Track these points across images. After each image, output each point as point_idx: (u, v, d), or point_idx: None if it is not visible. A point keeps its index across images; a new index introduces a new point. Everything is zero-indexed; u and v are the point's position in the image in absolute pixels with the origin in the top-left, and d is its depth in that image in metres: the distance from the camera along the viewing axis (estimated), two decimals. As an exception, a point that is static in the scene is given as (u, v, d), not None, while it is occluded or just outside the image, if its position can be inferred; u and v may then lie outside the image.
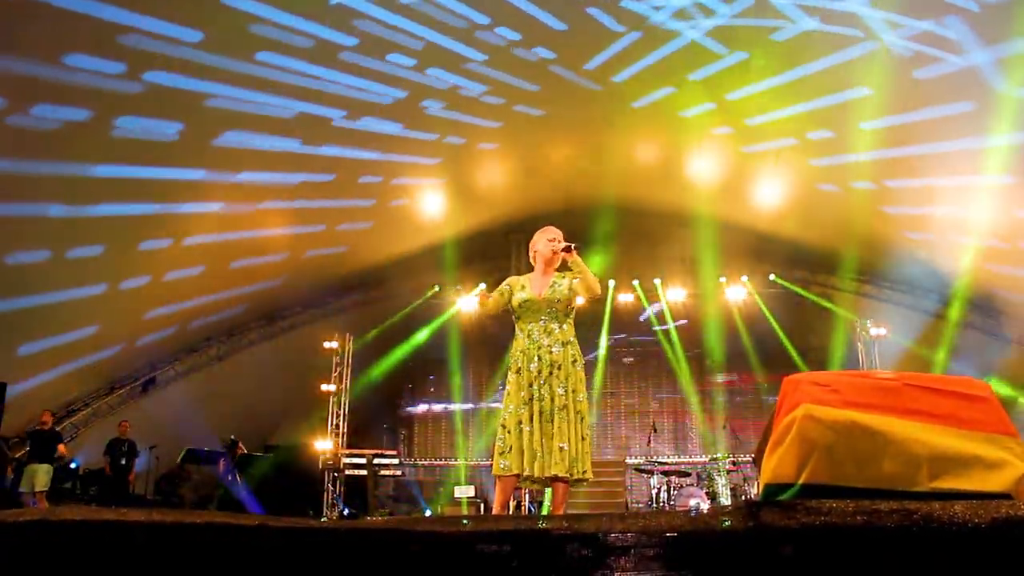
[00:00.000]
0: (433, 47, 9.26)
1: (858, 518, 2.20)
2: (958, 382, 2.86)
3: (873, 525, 2.17)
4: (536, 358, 4.68)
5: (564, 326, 4.79)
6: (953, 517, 2.17)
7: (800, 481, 2.61)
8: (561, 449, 4.47)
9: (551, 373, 4.64)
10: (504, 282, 5.02)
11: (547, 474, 4.48)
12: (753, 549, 2.22)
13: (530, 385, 4.64)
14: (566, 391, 4.61)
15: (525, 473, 4.53)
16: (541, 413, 4.58)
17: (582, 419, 4.63)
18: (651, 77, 10.14)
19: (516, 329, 4.90)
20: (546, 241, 4.96)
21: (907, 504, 2.19)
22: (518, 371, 4.71)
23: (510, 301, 4.91)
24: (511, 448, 4.57)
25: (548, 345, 4.70)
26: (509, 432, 4.61)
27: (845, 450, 2.61)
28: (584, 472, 4.55)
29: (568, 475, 4.46)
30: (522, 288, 4.87)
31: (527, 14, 8.91)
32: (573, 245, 4.78)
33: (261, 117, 9.84)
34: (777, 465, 2.73)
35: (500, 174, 12.91)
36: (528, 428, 4.56)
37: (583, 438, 4.60)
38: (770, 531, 2.22)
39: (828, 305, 14.92)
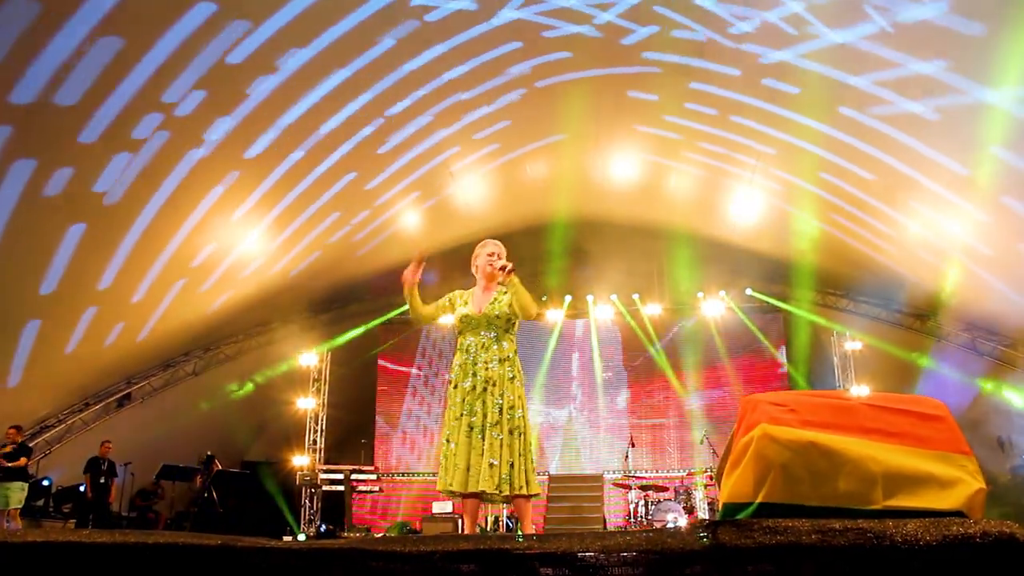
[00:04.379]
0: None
1: (813, 536, 2.24)
2: (914, 401, 2.90)
3: (827, 543, 2.20)
4: (472, 374, 4.62)
5: (504, 343, 4.70)
6: (906, 535, 2.20)
7: (757, 500, 2.65)
8: (491, 465, 4.40)
9: (485, 389, 4.57)
10: (446, 296, 4.95)
11: (472, 489, 4.42)
12: (712, 568, 2.25)
13: (463, 400, 4.59)
14: (501, 408, 4.52)
15: (450, 488, 4.48)
16: (471, 428, 4.50)
17: (521, 435, 4.53)
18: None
19: (456, 343, 4.84)
20: (485, 256, 4.88)
21: (861, 522, 2.22)
22: (455, 386, 4.67)
23: (454, 315, 4.86)
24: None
25: (485, 361, 4.62)
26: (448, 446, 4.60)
27: (801, 469, 2.64)
28: (521, 488, 4.45)
29: (496, 491, 4.37)
30: (464, 303, 4.83)
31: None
32: (509, 266, 4.66)
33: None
34: (735, 484, 2.77)
35: (477, 191, 12.95)
36: (454, 443, 4.52)
37: (521, 454, 4.50)
38: (728, 550, 2.25)
39: (805, 316, 15.01)
